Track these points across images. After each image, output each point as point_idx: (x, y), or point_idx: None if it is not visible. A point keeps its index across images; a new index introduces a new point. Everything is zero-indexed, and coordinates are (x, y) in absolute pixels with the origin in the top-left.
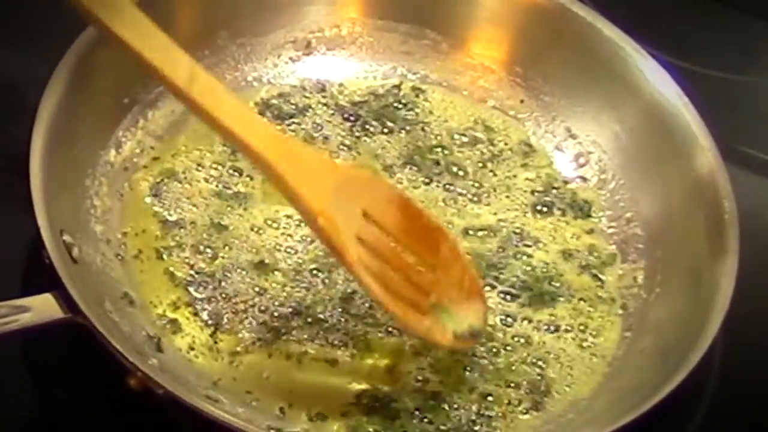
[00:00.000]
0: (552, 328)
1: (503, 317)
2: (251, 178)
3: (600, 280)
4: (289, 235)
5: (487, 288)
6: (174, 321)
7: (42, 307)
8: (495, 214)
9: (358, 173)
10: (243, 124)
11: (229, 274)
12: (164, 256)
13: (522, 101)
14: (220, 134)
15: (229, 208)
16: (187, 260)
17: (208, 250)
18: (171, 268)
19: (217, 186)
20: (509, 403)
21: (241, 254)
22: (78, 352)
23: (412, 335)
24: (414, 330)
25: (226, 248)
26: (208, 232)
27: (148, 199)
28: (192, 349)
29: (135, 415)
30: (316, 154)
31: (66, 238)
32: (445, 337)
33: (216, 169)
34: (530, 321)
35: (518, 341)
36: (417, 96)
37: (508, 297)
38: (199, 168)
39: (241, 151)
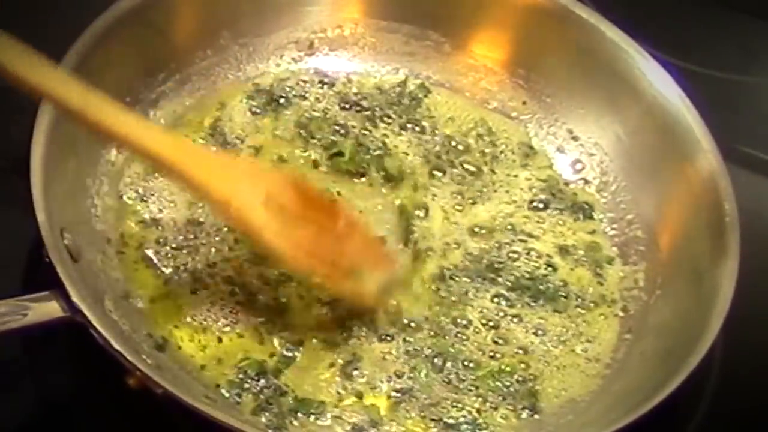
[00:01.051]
0: (549, 329)
1: (499, 317)
2: None
3: (601, 279)
4: None
5: (486, 287)
6: None
7: (42, 306)
8: (495, 214)
9: (252, 165)
10: (143, 132)
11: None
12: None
13: (524, 103)
14: (126, 147)
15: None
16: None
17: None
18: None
19: None
20: (504, 400)
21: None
22: (78, 352)
23: (341, 296)
24: (343, 291)
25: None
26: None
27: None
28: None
29: (134, 414)
30: (212, 152)
31: (66, 237)
32: (367, 295)
33: None
34: (523, 321)
35: (510, 341)
36: (419, 97)
37: (506, 297)
38: None
39: (147, 160)
